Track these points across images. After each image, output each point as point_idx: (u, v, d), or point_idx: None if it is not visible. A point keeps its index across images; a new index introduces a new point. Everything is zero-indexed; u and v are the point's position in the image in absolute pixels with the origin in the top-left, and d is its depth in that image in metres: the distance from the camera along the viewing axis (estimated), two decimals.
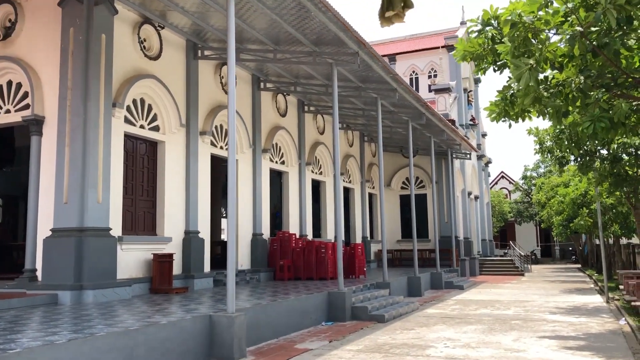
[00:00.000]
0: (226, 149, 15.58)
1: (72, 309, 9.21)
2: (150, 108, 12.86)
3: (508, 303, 15.82)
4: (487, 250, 36.22)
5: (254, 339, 9.29)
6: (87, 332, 6.61)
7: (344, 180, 23.54)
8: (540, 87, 6.70)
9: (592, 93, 5.84)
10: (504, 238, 47.51)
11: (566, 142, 7.45)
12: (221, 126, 15.42)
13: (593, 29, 5.94)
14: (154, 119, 12.97)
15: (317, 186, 21.94)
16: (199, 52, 14.16)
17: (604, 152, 14.75)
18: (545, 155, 15.03)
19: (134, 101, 12.38)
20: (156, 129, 13.00)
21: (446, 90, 27.77)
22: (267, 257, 16.86)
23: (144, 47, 12.76)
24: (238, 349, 8.11)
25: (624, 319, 12.14)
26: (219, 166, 16.73)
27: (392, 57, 32.17)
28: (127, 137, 12.29)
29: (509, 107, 7.89)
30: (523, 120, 8.31)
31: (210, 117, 14.66)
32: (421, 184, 28.13)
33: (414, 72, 32.03)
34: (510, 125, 8.32)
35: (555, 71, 6.43)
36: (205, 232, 14.17)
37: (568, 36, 5.68)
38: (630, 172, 14.35)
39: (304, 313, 11.09)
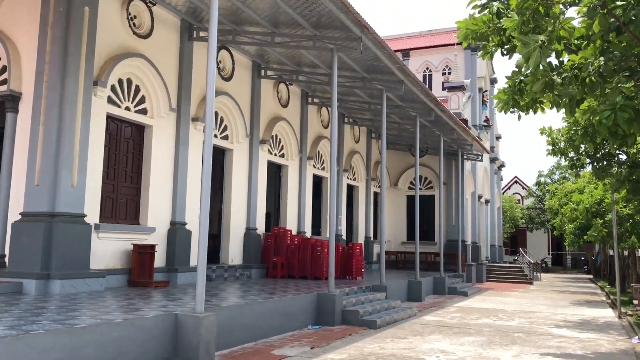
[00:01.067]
0: (221, 138, 14.83)
1: (34, 299, 8.49)
2: (137, 89, 12.10)
3: (512, 313, 14.88)
4: (496, 257, 35.14)
5: (228, 341, 8.50)
6: (27, 328, 5.85)
7: (347, 178, 22.68)
8: (554, 73, 5.82)
9: (613, 78, 4.94)
10: (515, 244, 46.29)
11: (580, 135, 6.51)
12: (216, 114, 14.64)
13: (618, 2, 5.04)
14: (142, 101, 12.22)
15: (318, 182, 21.09)
16: (194, 33, 13.39)
17: (623, 156, 13.75)
18: (559, 157, 14.05)
19: (120, 81, 11.62)
20: (143, 112, 12.24)
21: (460, 88, 26.77)
22: (260, 253, 16.07)
23: (134, 24, 12.01)
24: (205, 353, 7.32)
25: (637, 337, 11.17)
26: (216, 157, 15.93)
27: (406, 53, 31.23)
28: (111, 118, 11.55)
29: (518, 96, 6.99)
30: (535, 112, 7.40)
31: (204, 103, 13.85)
32: (429, 184, 27.18)
33: (427, 68, 31.05)
34: (519, 117, 7.41)
35: (571, 55, 5.54)
36: (194, 224, 13.39)
37: (586, 9, 4.80)
38: None
39: (288, 315, 10.27)
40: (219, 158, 15.36)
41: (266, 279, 15.24)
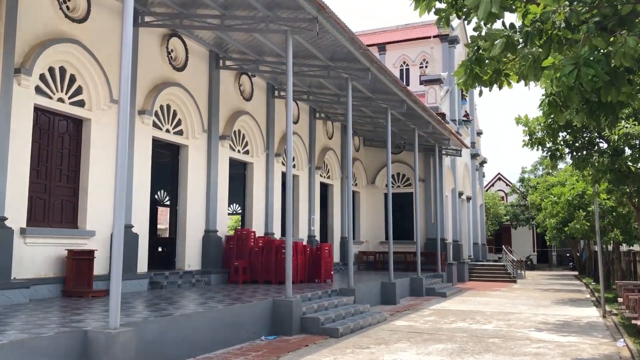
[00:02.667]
0: (175, 133, 13.72)
1: None
2: (72, 78, 10.96)
3: (491, 315, 13.92)
4: (479, 255, 34.26)
5: (159, 359, 7.41)
6: None
7: (320, 175, 21.65)
8: (513, 31, 4.81)
9: (581, 27, 3.94)
10: (499, 242, 45.45)
11: (547, 105, 5.52)
12: (168, 106, 13.53)
13: None
14: (78, 91, 11.07)
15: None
16: (140, 18, 12.26)
17: (604, 145, 12.86)
18: (536, 148, 13.09)
19: (51, 69, 10.48)
20: (80, 103, 11.10)
21: (437, 81, 25.83)
22: (222, 257, 14.96)
23: (67, 7, 10.87)
24: None
25: (622, 339, 10.23)
26: (168, 154, 14.81)
27: (382, 47, 30.28)
28: (41, 111, 10.41)
29: (478, 68, 5.99)
30: (500, 86, 6.40)
31: (152, 94, 12.75)
32: (407, 181, 26.21)
33: (404, 63, 30.12)
34: (480, 93, 6.42)
35: (532, 5, 4.54)
36: (141, 227, 12.27)
37: None
38: (633, 168, 12.45)
39: (236, 326, 9.19)
40: (173, 155, 14.26)
41: (226, 285, 14.14)
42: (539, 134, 12.74)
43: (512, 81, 6.02)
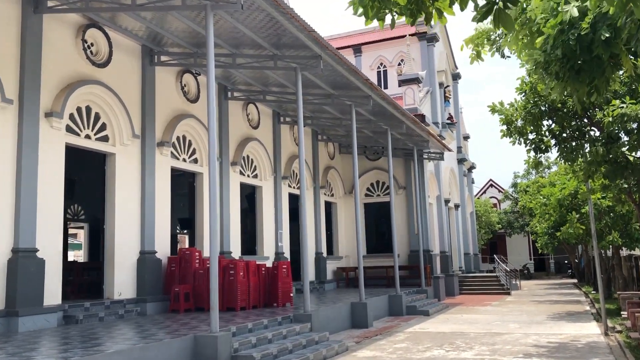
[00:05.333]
0: (95, 139, 11.76)
1: None
2: None
3: (474, 337, 11.92)
4: (472, 266, 32.20)
5: None
6: None
7: (289, 186, 19.71)
8: None
9: None
10: (494, 251, 43.45)
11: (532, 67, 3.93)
12: (88, 108, 11.58)
13: None
14: None
15: (252, 193, 18.10)
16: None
17: (595, 132, 10.99)
18: (517, 140, 11.20)
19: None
20: None
21: (414, 80, 23.98)
22: (163, 281, 12.94)
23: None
24: None
25: None
26: (93, 163, 12.86)
27: (358, 48, 28.54)
28: None
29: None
30: (427, 20, 4.48)
31: (64, 93, 10.78)
32: (387, 190, 24.24)
33: (382, 64, 28.34)
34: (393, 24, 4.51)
35: None
36: (48, 251, 10.25)
37: None
38: (631, 158, 10.58)
39: None
40: (99, 165, 12.31)
41: (165, 314, 12.12)
42: (519, 123, 10.86)
43: (448, 14, 4.11)
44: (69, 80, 11.04)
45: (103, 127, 11.92)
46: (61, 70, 10.86)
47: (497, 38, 9.52)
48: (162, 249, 13.14)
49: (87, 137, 11.52)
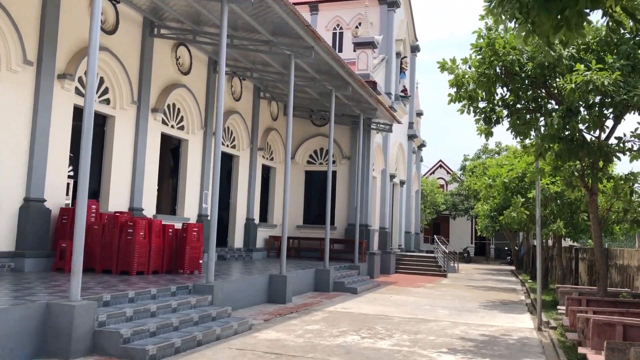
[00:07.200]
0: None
1: None
2: None
3: (398, 323, 10.72)
4: (412, 245, 31.44)
5: None
6: None
7: (223, 144, 17.96)
8: None
9: None
10: (437, 232, 43.03)
11: None
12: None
13: None
14: None
15: (178, 147, 16.29)
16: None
17: (552, 104, 9.77)
18: (467, 108, 9.85)
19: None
20: None
21: (369, 45, 22.44)
22: (51, 236, 11.14)
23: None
24: None
25: None
26: None
27: (314, 6, 26.68)
28: None
29: None
30: None
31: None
32: (333, 159, 22.82)
33: (338, 25, 26.63)
34: None
35: None
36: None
37: None
38: (588, 138, 9.44)
39: None
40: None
41: (46, 272, 10.38)
42: (470, 86, 9.49)
43: None
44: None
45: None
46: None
47: None
48: (54, 197, 11.30)
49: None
